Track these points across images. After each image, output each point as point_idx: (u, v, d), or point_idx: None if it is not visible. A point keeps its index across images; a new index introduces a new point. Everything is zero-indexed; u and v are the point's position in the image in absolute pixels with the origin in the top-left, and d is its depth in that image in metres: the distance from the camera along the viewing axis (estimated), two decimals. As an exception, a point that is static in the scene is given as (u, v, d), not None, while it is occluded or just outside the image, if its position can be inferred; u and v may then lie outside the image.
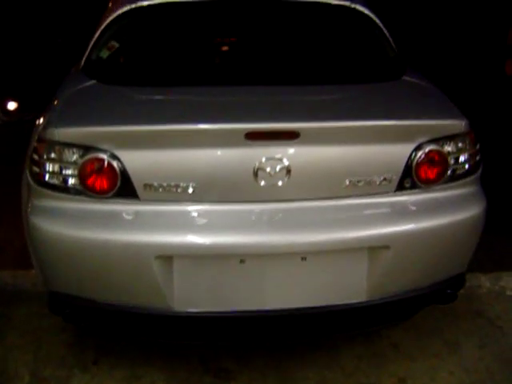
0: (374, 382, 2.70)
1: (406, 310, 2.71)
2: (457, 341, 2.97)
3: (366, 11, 3.19)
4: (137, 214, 2.29)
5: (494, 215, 2.67)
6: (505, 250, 3.82)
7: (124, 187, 2.27)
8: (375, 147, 2.34)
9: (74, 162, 2.26)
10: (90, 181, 2.27)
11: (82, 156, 2.25)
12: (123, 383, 2.66)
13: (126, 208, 2.29)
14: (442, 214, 2.41)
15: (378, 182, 2.35)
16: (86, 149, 2.25)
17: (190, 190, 2.26)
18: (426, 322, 3.06)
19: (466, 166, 2.49)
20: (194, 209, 2.30)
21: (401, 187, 2.40)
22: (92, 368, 2.75)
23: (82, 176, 2.26)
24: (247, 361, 2.79)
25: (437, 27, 7.15)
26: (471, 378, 2.72)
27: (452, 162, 2.44)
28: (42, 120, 2.57)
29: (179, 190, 2.26)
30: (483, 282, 3.46)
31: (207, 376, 2.72)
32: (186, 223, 2.29)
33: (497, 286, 3.44)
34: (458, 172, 2.48)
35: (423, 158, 2.37)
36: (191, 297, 2.34)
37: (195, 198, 2.28)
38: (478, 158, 2.55)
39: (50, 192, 2.32)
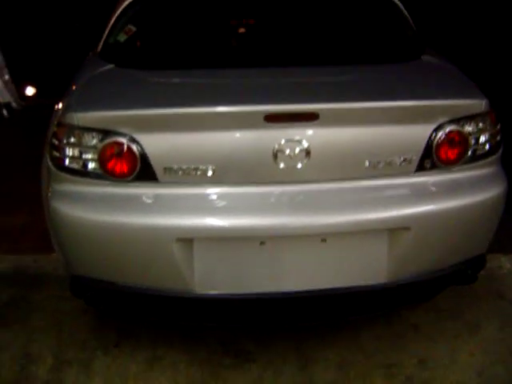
0: (394, 363, 2.69)
1: (427, 291, 2.70)
2: (477, 322, 2.95)
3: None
4: (157, 197, 2.29)
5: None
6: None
7: (144, 171, 2.27)
8: (395, 128, 2.33)
9: (94, 146, 2.27)
10: (109, 165, 2.28)
11: (101, 140, 2.26)
12: (145, 365, 2.69)
13: (145, 191, 2.30)
14: (462, 195, 2.39)
15: (397, 163, 2.34)
16: (105, 133, 2.26)
17: (210, 173, 2.26)
18: (446, 303, 3.05)
19: (487, 146, 2.47)
20: (213, 191, 2.30)
21: (421, 168, 2.38)
22: (114, 350, 2.77)
23: (101, 160, 2.27)
24: (267, 342, 2.81)
25: (451, 18, 7.05)
26: (492, 360, 2.71)
27: (472, 142, 2.42)
28: (61, 105, 2.58)
29: (199, 173, 2.26)
30: (504, 262, 3.44)
31: (227, 357, 2.74)
32: (205, 206, 2.29)
33: (517, 267, 3.42)
34: (479, 152, 2.45)
35: (443, 139, 2.35)
36: (212, 279, 2.35)
37: (215, 181, 2.28)
38: (498, 138, 2.52)
39: (70, 176, 2.33)
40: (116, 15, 3.07)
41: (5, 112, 6.29)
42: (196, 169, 2.25)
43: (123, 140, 2.24)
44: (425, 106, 2.37)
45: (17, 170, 4.67)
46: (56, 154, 2.36)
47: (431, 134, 2.35)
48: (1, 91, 6.36)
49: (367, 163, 2.31)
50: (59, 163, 2.35)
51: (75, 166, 2.32)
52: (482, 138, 2.45)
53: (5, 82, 6.31)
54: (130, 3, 3.06)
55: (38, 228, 3.58)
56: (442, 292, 2.80)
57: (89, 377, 2.62)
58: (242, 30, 3.22)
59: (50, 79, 5.57)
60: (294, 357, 2.73)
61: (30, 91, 6.68)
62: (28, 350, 2.78)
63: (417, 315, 2.98)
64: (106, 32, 3.07)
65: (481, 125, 2.43)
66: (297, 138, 2.24)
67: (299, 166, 2.26)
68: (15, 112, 6.40)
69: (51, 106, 2.73)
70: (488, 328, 2.92)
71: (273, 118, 2.20)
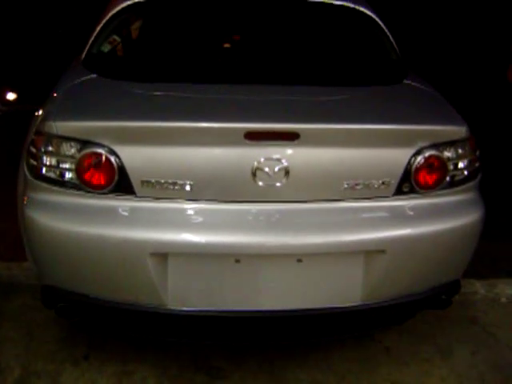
0: (365, 385, 2.69)
1: (401, 314, 2.70)
2: (450, 347, 2.95)
3: (369, 12, 3.18)
4: (133, 210, 2.27)
5: (489, 220, 2.65)
6: (500, 256, 3.81)
7: (121, 183, 2.26)
8: (374, 151, 2.33)
9: (72, 156, 2.25)
10: (87, 175, 2.25)
11: (79, 150, 2.24)
12: (114, 379, 2.65)
13: (122, 204, 2.28)
14: (439, 220, 2.40)
15: (376, 186, 2.34)
16: (84, 143, 2.24)
17: (188, 188, 2.24)
18: (419, 327, 3.05)
19: (466, 173, 2.48)
20: (190, 207, 2.29)
21: (399, 192, 2.38)
22: (83, 363, 2.73)
23: (79, 170, 2.25)
24: (239, 360, 2.78)
25: (439, 32, 7.13)
26: (463, 385, 2.72)
27: (451, 167, 2.43)
28: (40, 112, 2.56)
29: (176, 188, 2.24)
30: (478, 288, 3.45)
31: (199, 374, 2.70)
32: (182, 221, 2.28)
33: (491, 293, 3.43)
34: (457, 178, 2.47)
35: (422, 163, 2.36)
36: (185, 295, 2.33)
37: (192, 197, 2.27)
38: (477, 164, 2.54)
39: (46, 185, 2.31)
40: (101, 25, 3.05)
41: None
42: (174, 183, 2.23)
43: (102, 151, 2.23)
44: (405, 130, 2.38)
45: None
46: (33, 162, 2.33)
47: (410, 159, 2.36)
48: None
49: (346, 185, 2.31)
50: (36, 172, 2.32)
51: (52, 175, 2.29)
52: (461, 164, 2.46)
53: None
54: (116, 14, 3.04)
55: (11, 235, 3.53)
56: (416, 315, 2.80)
57: (56, 389, 2.59)
58: (226, 46, 3.23)
59: (32, 85, 5.54)
60: (265, 375, 2.71)
61: (10, 96, 6.63)
62: (-4, 359, 2.74)
63: (389, 338, 2.98)
64: (90, 41, 3.05)
65: (460, 151, 2.44)
66: (276, 156, 2.23)
67: (278, 184, 2.25)
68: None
69: (32, 112, 2.70)
70: (460, 353, 2.92)
71: (253, 136, 2.20)
